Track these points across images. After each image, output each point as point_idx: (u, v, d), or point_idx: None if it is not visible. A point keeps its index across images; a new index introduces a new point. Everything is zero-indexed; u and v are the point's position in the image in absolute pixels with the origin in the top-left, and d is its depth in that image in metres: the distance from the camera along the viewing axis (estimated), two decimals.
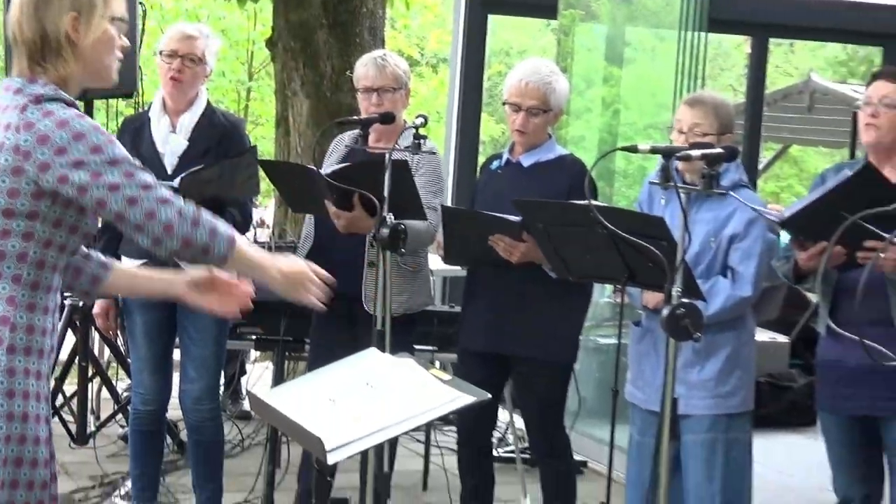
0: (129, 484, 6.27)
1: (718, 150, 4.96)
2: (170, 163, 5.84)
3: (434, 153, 5.98)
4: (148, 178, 3.27)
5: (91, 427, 7.57)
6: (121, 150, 3.27)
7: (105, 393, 7.84)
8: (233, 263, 3.45)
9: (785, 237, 5.40)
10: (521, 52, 20.80)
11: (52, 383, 7.40)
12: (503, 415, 6.80)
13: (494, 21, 9.99)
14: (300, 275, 3.64)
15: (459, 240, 5.77)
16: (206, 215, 3.35)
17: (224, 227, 3.37)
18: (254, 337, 6.97)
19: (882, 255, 4.42)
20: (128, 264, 5.94)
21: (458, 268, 6.42)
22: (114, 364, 7.86)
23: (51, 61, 3.29)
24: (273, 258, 3.64)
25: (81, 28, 3.28)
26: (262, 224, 11.59)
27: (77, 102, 3.34)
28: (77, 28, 3.27)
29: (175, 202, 3.29)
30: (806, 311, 9.23)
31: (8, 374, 3.20)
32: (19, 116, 3.19)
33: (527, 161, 5.79)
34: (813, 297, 8.44)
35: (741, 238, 5.25)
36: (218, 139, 5.92)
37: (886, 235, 2.71)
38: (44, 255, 3.29)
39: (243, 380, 8.37)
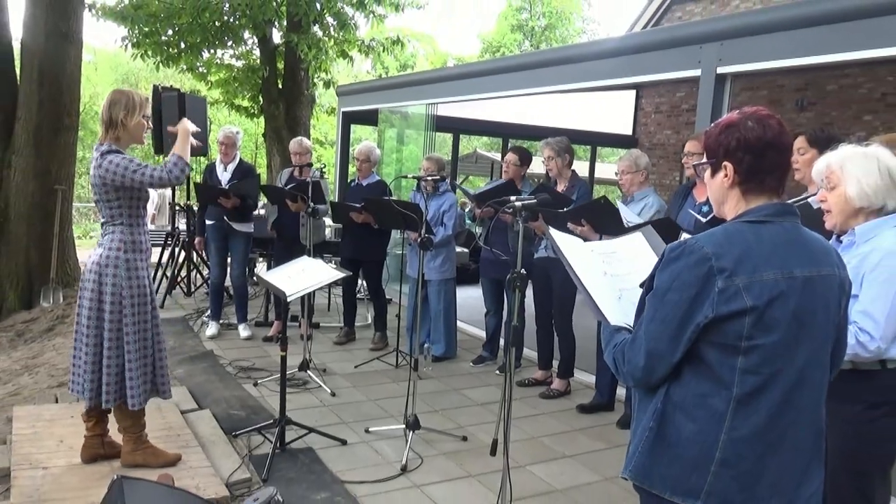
0: (209, 311, 5.99)
1: (439, 176, 4.97)
2: (224, 183, 5.54)
3: (326, 179, 5.82)
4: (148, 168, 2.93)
5: (192, 289, 7.21)
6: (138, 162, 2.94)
7: (198, 276, 7.47)
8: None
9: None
10: (364, 138, 20.48)
11: (173, 272, 7.08)
12: (360, 282, 6.71)
13: (354, 127, 9.74)
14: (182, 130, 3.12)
15: (338, 213, 5.62)
16: (164, 167, 2.95)
17: (171, 161, 2.96)
18: (257, 251, 6.81)
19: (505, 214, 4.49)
20: (209, 223, 5.71)
21: (339, 224, 6.26)
22: (201, 265, 7.49)
23: (111, 133, 3.00)
24: (179, 145, 3.05)
25: (128, 119, 2.99)
26: (260, 206, 11.19)
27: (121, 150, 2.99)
28: (125, 118, 2.99)
29: (158, 169, 2.93)
30: (475, 239, 9.26)
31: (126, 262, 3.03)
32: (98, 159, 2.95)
33: (365, 182, 5.63)
34: (478, 232, 8.51)
35: (447, 211, 5.23)
36: (244, 173, 5.63)
37: (509, 209, 2.78)
38: (131, 212, 3.03)
39: (255, 269, 8.10)
